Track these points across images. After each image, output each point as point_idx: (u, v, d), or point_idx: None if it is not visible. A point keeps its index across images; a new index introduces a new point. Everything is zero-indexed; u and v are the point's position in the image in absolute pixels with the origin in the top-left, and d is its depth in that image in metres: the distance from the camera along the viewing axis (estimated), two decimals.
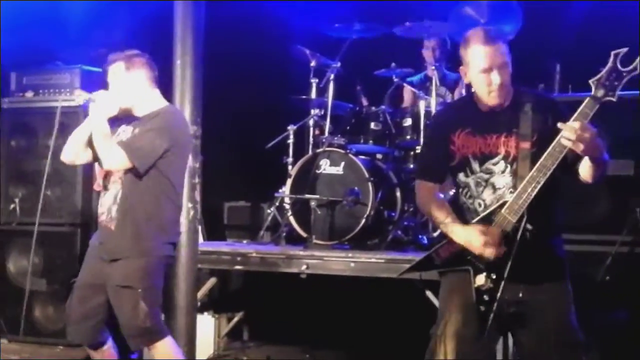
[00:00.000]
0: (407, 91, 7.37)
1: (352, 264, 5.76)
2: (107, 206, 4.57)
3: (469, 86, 4.11)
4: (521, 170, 3.72)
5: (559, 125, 3.49)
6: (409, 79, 7.19)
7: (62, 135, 6.72)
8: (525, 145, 3.74)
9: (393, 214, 6.47)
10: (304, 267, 5.84)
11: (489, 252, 3.68)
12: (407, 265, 5.54)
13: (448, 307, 3.91)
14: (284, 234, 6.57)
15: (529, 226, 3.67)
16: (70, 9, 7.51)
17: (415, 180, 4.17)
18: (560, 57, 6.29)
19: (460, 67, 3.91)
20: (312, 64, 6.90)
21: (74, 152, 4.71)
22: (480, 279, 3.74)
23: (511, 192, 3.74)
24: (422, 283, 5.67)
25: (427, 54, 7.23)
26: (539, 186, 3.60)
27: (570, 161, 3.67)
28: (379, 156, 6.85)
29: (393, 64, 7.00)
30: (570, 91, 5.70)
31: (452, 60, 7.08)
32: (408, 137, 6.63)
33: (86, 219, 6.67)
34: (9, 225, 6.82)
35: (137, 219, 4.51)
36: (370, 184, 6.18)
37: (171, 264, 4.83)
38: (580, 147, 3.46)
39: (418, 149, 6.45)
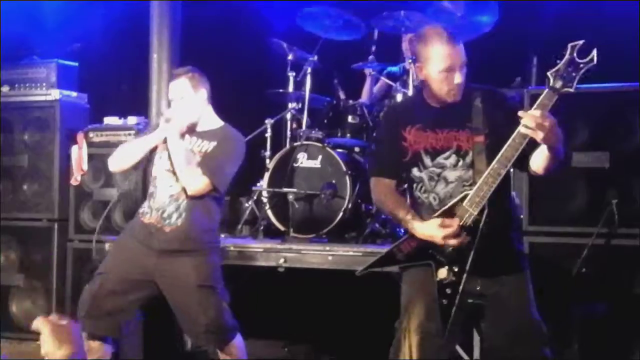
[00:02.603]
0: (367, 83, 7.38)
1: (330, 257, 5.75)
2: (160, 205, 4.68)
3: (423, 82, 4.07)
4: (478, 164, 3.78)
5: (520, 113, 3.53)
6: (389, 69, 7.18)
7: (39, 130, 6.76)
8: (479, 139, 3.79)
9: (371, 207, 6.46)
10: (281, 260, 5.83)
11: (452, 243, 3.73)
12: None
13: (411, 302, 3.95)
14: (262, 228, 6.55)
15: (488, 219, 3.71)
16: (46, 3, 7.47)
17: (370, 178, 4.20)
18: (537, 49, 6.31)
19: (417, 65, 3.92)
20: (289, 57, 6.87)
21: (127, 162, 4.82)
22: (442, 273, 3.79)
23: (464, 186, 3.81)
24: (399, 276, 5.70)
25: (405, 47, 7.23)
26: (499, 178, 3.66)
27: (524, 153, 3.70)
28: (356, 149, 6.82)
29: (370, 57, 7.02)
30: None
31: None
32: None
33: (63, 214, 6.65)
34: None
35: (200, 216, 4.70)
36: (347, 177, 6.17)
37: None
38: (540, 136, 3.49)
39: None
